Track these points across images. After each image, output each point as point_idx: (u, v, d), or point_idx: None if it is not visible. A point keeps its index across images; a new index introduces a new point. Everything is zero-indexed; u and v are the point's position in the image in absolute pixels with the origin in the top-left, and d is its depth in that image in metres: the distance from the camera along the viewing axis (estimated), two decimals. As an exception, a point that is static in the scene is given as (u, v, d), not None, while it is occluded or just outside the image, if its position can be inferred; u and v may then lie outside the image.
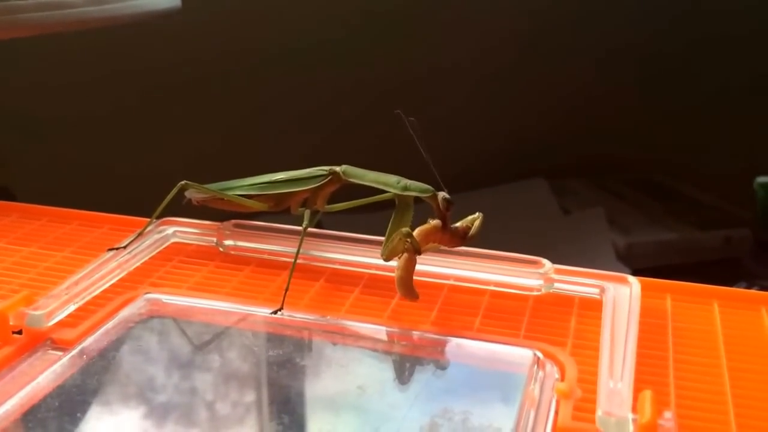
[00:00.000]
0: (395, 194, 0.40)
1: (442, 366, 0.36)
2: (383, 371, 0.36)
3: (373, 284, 0.41)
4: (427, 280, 0.41)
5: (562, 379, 0.33)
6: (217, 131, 1.04)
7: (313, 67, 1.05)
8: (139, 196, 0.50)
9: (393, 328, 0.37)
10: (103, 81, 0.96)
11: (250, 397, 0.34)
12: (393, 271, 0.38)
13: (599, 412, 0.29)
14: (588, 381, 0.32)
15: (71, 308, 0.36)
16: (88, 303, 0.37)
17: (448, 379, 0.35)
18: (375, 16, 1.06)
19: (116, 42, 0.91)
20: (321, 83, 1.05)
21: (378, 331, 0.37)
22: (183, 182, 0.42)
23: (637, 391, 0.30)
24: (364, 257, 0.42)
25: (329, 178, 0.42)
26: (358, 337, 0.37)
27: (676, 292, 0.40)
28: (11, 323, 0.34)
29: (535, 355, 0.34)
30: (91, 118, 0.96)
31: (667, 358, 0.35)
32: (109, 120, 0.97)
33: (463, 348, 0.36)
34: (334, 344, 0.37)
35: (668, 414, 0.29)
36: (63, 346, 0.35)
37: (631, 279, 0.39)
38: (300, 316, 0.38)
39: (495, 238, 0.41)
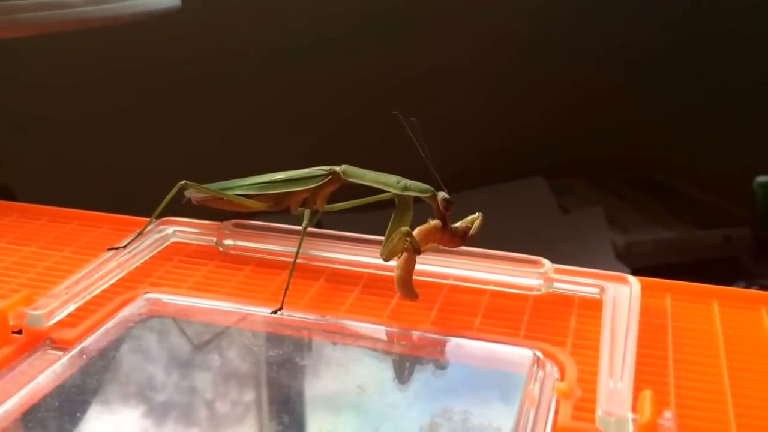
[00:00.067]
0: (395, 194, 0.40)
1: (441, 366, 0.36)
2: (383, 371, 0.36)
3: (372, 284, 0.41)
4: (426, 280, 0.41)
5: (562, 378, 0.33)
6: (216, 131, 1.04)
7: (312, 66, 1.05)
8: (139, 196, 0.50)
9: (393, 327, 0.37)
10: (103, 81, 0.96)
11: (249, 396, 0.34)
12: (393, 271, 0.38)
13: (599, 412, 0.29)
14: (588, 381, 0.32)
15: (71, 308, 0.36)
16: (87, 303, 0.37)
17: (447, 379, 0.35)
18: (374, 15, 1.06)
19: (116, 42, 0.91)
20: (321, 83, 1.05)
21: (378, 330, 0.37)
22: (183, 182, 0.42)
23: (636, 390, 0.30)
24: (363, 257, 0.42)
25: (329, 177, 0.42)
26: (357, 336, 0.37)
27: (675, 292, 0.40)
28: (11, 323, 0.34)
29: (534, 354, 0.34)
30: (90, 118, 0.96)
31: (667, 358, 0.35)
32: (109, 120, 0.97)
33: (462, 348, 0.36)
34: (334, 344, 0.37)
35: (668, 414, 0.29)
36: (63, 346, 0.35)
37: (631, 279, 0.39)
38: (300, 315, 0.38)
39: (494, 237, 0.41)
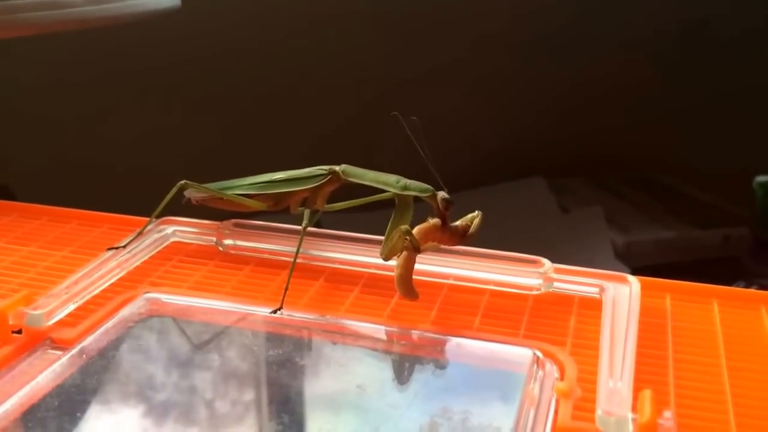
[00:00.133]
0: (395, 194, 0.40)
1: (441, 365, 0.36)
2: (383, 370, 0.36)
3: (372, 283, 0.41)
4: (426, 280, 0.41)
5: (562, 378, 0.33)
6: (216, 131, 1.04)
7: (312, 66, 1.05)
8: (139, 196, 0.50)
9: (392, 327, 0.37)
10: (103, 80, 0.96)
11: (249, 396, 0.34)
12: (393, 271, 0.38)
13: (599, 412, 0.29)
14: (588, 380, 0.32)
15: (71, 307, 0.36)
16: (87, 302, 0.37)
17: (447, 379, 0.35)
18: (374, 15, 1.06)
19: (115, 41, 0.91)
20: (320, 82, 1.05)
21: (377, 330, 0.37)
22: (182, 182, 0.42)
23: (636, 390, 0.30)
24: (363, 256, 0.42)
25: (329, 177, 0.42)
26: (357, 336, 0.37)
27: (675, 292, 0.40)
28: (11, 323, 0.34)
29: (534, 354, 0.34)
30: (90, 118, 0.96)
31: (667, 358, 0.35)
32: (109, 119, 0.97)
33: (462, 347, 0.36)
34: (334, 343, 0.37)
35: (668, 413, 0.29)
36: (62, 346, 0.35)
37: (631, 278, 0.39)
38: (299, 315, 0.38)
39: (493, 236, 0.41)
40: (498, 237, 0.43)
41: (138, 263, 0.42)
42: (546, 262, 0.40)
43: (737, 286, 0.41)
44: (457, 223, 0.39)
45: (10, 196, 0.60)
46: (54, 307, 0.36)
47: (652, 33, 1.15)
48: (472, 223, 0.39)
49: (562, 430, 0.30)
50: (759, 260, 0.98)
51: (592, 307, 0.38)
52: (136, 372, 0.35)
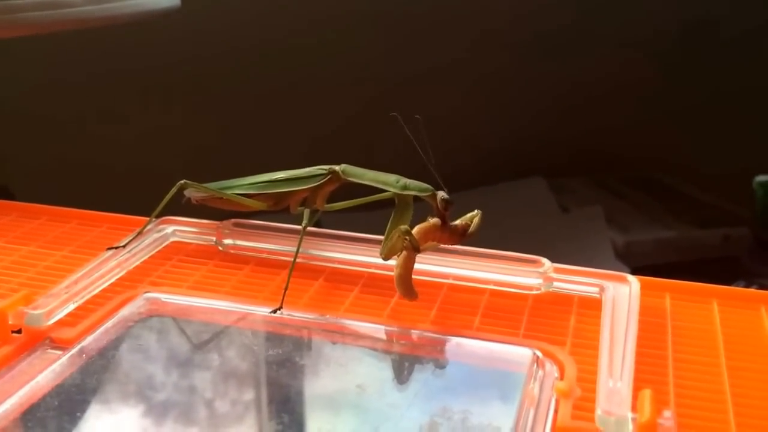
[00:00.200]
0: (394, 193, 0.40)
1: (441, 365, 0.36)
2: (382, 370, 0.36)
3: (372, 283, 0.41)
4: (426, 279, 0.41)
5: (562, 378, 0.33)
6: (216, 130, 1.04)
7: (312, 65, 1.05)
8: (139, 195, 0.50)
9: (392, 327, 0.37)
10: (102, 79, 0.96)
11: (249, 396, 0.34)
12: (392, 270, 0.38)
13: (599, 411, 0.29)
14: (587, 380, 0.32)
15: (70, 307, 0.36)
16: (87, 302, 0.37)
17: (447, 378, 0.35)
18: (374, 15, 1.06)
19: (115, 41, 0.91)
20: (320, 82, 1.05)
21: (377, 330, 0.37)
22: (182, 181, 0.42)
23: (636, 390, 0.30)
24: (363, 256, 0.42)
25: (328, 177, 0.42)
26: (357, 336, 0.37)
27: (675, 291, 0.40)
28: (10, 322, 0.34)
29: (534, 354, 0.34)
30: (90, 117, 0.96)
31: (667, 357, 0.35)
32: (109, 119, 0.97)
33: (462, 347, 0.36)
34: (334, 343, 0.37)
35: (668, 413, 0.29)
36: (62, 345, 0.35)
37: (631, 278, 0.39)
38: (299, 315, 0.38)
39: (493, 236, 0.41)
40: (498, 237, 0.43)
41: (138, 263, 0.42)
42: (546, 262, 0.40)
43: (737, 286, 0.41)
44: (457, 222, 0.39)
45: (10, 196, 0.60)
46: (54, 307, 0.36)
47: (652, 33, 1.15)
48: (471, 222, 0.39)
49: (561, 430, 0.30)
50: (759, 260, 0.98)
51: (591, 306, 0.38)
52: (135, 372, 0.35)
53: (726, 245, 1.01)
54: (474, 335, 0.36)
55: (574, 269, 0.40)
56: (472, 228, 0.38)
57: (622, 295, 0.38)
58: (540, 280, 0.40)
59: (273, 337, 0.37)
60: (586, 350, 0.35)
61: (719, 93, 1.13)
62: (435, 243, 0.39)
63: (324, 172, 0.42)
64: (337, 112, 1.07)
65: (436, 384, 0.35)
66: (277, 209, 0.44)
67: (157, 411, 0.32)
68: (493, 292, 0.40)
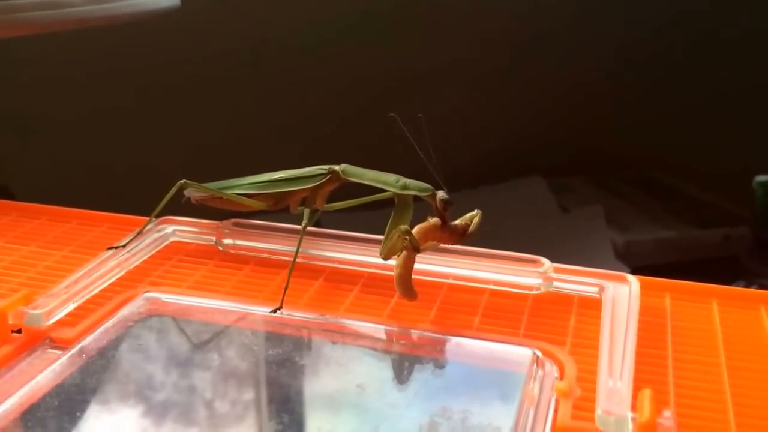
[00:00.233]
0: (394, 193, 0.40)
1: (441, 365, 0.36)
2: (382, 370, 0.36)
3: (372, 283, 0.41)
4: (426, 279, 0.41)
5: (562, 377, 0.33)
6: (216, 130, 1.04)
7: (312, 65, 1.05)
8: (138, 195, 0.50)
9: (392, 326, 0.37)
10: (102, 79, 0.96)
11: (249, 395, 0.34)
12: (392, 270, 0.38)
13: (598, 411, 0.29)
14: (587, 380, 0.32)
15: (70, 307, 0.36)
16: (87, 302, 0.37)
17: (447, 378, 0.35)
18: (373, 14, 1.06)
19: (115, 41, 0.91)
20: (320, 82, 1.05)
21: (377, 329, 0.37)
22: (182, 181, 0.42)
23: (636, 389, 0.30)
24: (363, 256, 0.42)
25: (328, 177, 0.42)
26: (357, 335, 0.37)
27: (675, 291, 0.40)
28: (10, 322, 0.34)
29: (534, 353, 0.34)
30: (90, 117, 0.96)
31: (667, 357, 0.35)
32: (108, 119, 0.97)
33: (462, 347, 0.36)
34: (334, 343, 0.37)
35: (667, 413, 0.29)
36: (62, 345, 0.34)
37: (630, 278, 0.39)
38: (299, 314, 0.38)
39: (493, 236, 0.41)
40: (497, 236, 0.43)
41: (138, 263, 0.42)
42: (546, 262, 0.40)
43: (737, 286, 0.41)
44: (457, 222, 0.39)
45: (10, 196, 0.60)
46: (54, 307, 0.35)
47: (652, 32, 1.15)
48: (471, 222, 0.39)
49: (561, 430, 0.30)
50: (759, 259, 0.98)
51: (591, 306, 0.38)
52: (135, 371, 0.35)
53: (726, 245, 1.01)
54: (474, 335, 0.36)
55: (574, 269, 0.40)
56: (472, 228, 0.38)
57: (622, 295, 0.38)
58: (540, 280, 0.40)
59: (273, 337, 0.37)
60: (586, 350, 0.35)
61: (719, 93, 1.13)
62: (435, 243, 0.39)
63: (324, 171, 0.42)
64: (337, 111, 1.07)
65: (436, 384, 0.35)
66: (277, 209, 0.44)
67: (157, 411, 0.32)
68: (493, 292, 0.40)
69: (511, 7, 1.11)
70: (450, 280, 0.41)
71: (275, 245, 0.43)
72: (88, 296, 0.38)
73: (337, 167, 0.42)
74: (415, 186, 0.39)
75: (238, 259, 0.43)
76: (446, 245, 0.40)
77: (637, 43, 1.14)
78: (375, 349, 0.38)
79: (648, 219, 1.05)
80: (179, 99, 1.00)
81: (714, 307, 0.39)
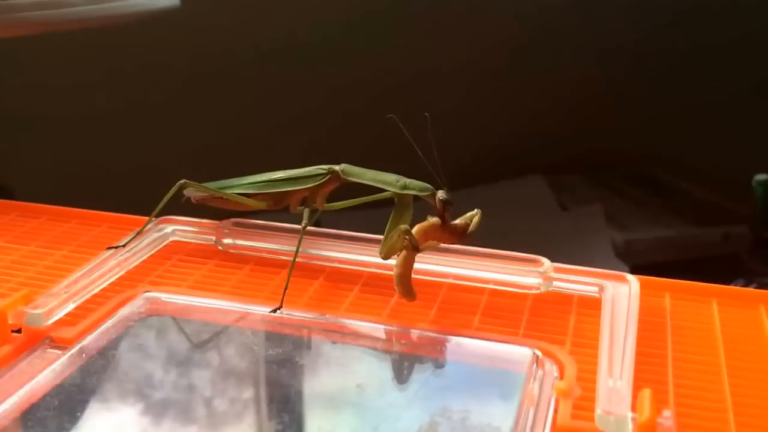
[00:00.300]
0: (394, 193, 0.40)
1: (441, 364, 0.36)
2: (382, 370, 0.36)
3: (372, 283, 0.41)
4: (426, 279, 0.41)
5: (562, 377, 0.33)
6: (216, 130, 1.04)
7: (311, 65, 1.05)
8: (138, 195, 0.50)
9: (392, 326, 0.37)
10: (102, 79, 0.96)
11: (249, 395, 0.34)
12: (392, 270, 0.38)
13: (598, 411, 0.29)
14: (587, 379, 0.32)
15: (70, 307, 0.36)
16: (87, 301, 0.37)
17: (447, 378, 0.35)
18: (373, 13, 1.06)
19: (114, 40, 0.91)
20: (320, 81, 1.05)
21: (377, 329, 0.37)
22: (182, 181, 0.42)
23: (636, 389, 0.30)
24: (363, 255, 0.42)
25: (328, 176, 0.42)
26: (357, 335, 0.37)
27: (675, 291, 0.40)
28: (10, 322, 0.34)
29: (534, 353, 0.34)
30: (90, 117, 0.96)
31: (667, 357, 0.35)
32: (108, 118, 0.97)
33: (462, 346, 0.36)
34: (333, 343, 0.37)
35: (667, 412, 0.29)
36: (62, 345, 0.35)
37: (630, 277, 0.39)
38: (299, 314, 0.38)
39: (492, 235, 0.41)
40: (497, 236, 0.43)
41: (137, 262, 0.42)
42: (545, 261, 0.40)
43: (737, 284, 0.42)
44: (457, 221, 0.39)
45: (9, 195, 0.60)
46: (53, 307, 0.36)
47: (652, 32, 1.15)
48: (471, 221, 0.39)
49: (561, 430, 0.30)
50: (758, 258, 0.98)
51: (591, 306, 0.38)
52: (135, 371, 0.35)
53: (725, 243, 1.01)
54: (474, 335, 0.36)
55: (573, 269, 0.40)
56: (472, 227, 0.38)
57: (621, 294, 0.38)
58: (540, 280, 0.40)
59: (273, 337, 0.37)
60: (586, 350, 0.35)
61: (718, 91, 1.13)
62: (435, 242, 0.39)
63: (324, 171, 0.42)
64: (337, 111, 1.07)
65: (436, 383, 0.35)
66: (277, 209, 0.44)
67: (156, 410, 0.32)
68: (493, 292, 0.40)
69: (511, 8, 1.11)
70: (450, 280, 0.41)
71: (275, 245, 0.43)
72: (88, 296, 0.38)
73: (336, 167, 0.42)
74: (414, 186, 0.39)
75: (238, 258, 0.43)
76: (446, 245, 0.40)
77: (636, 41, 1.14)
78: (375, 349, 0.38)
79: (647, 217, 1.05)
80: (179, 99, 1.00)
81: (714, 307, 0.39)
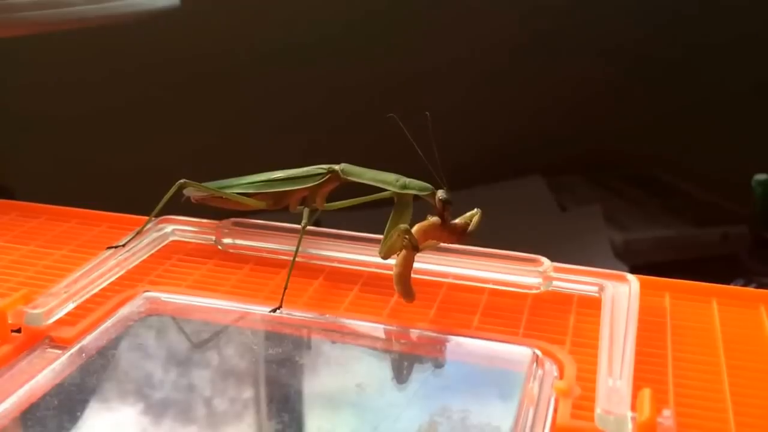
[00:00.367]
0: (394, 192, 0.40)
1: (440, 364, 0.36)
2: (382, 369, 0.36)
3: (371, 282, 0.41)
4: (426, 278, 0.41)
5: (561, 377, 0.33)
6: (215, 129, 1.04)
7: (311, 64, 1.05)
8: (138, 195, 0.50)
9: (392, 326, 0.37)
10: (102, 79, 0.96)
11: (249, 395, 0.34)
12: (392, 269, 0.38)
13: (598, 411, 0.29)
14: (587, 379, 0.32)
15: (70, 306, 0.36)
16: (86, 301, 0.37)
17: (446, 378, 0.35)
18: (373, 13, 1.06)
19: (114, 40, 0.91)
20: (319, 81, 1.05)
21: (377, 329, 0.37)
22: (182, 180, 0.42)
23: (636, 389, 0.30)
24: (362, 255, 0.42)
25: (328, 176, 0.42)
26: (356, 335, 0.37)
27: (674, 290, 0.40)
28: (10, 321, 0.34)
29: (534, 353, 0.34)
30: (90, 116, 0.96)
31: (666, 356, 0.35)
32: (108, 118, 0.97)
33: (461, 346, 0.36)
34: (333, 342, 0.37)
35: (667, 412, 0.29)
36: (62, 345, 0.35)
37: (630, 277, 0.39)
38: (299, 314, 0.38)
39: (492, 235, 0.41)
40: (497, 235, 0.43)
41: (137, 262, 0.42)
42: (545, 261, 0.40)
43: (736, 284, 0.41)
44: (457, 221, 0.39)
45: (9, 195, 0.60)
46: (53, 306, 0.35)
47: (652, 32, 1.15)
48: (471, 221, 0.39)
49: (561, 429, 0.30)
50: (758, 258, 0.98)
51: (591, 305, 0.38)
52: (135, 371, 0.35)
53: (725, 243, 1.01)
54: (473, 334, 0.36)
55: (573, 268, 0.40)
56: (471, 227, 0.38)
57: (621, 294, 0.38)
58: (539, 280, 0.40)
59: (272, 336, 0.37)
60: (586, 349, 0.35)
61: (718, 91, 1.13)
62: (434, 242, 0.39)
63: (323, 171, 0.42)
64: (337, 111, 1.07)
65: (436, 383, 0.35)
66: (277, 208, 0.44)
67: (156, 410, 0.32)
68: (493, 291, 0.40)
69: (510, 7, 1.11)
70: (449, 280, 0.41)
71: (275, 244, 0.43)
72: (88, 295, 0.38)
73: (336, 167, 0.42)
74: (414, 185, 0.39)
75: (238, 258, 0.43)
76: (446, 244, 0.40)
77: (635, 41, 1.14)
78: (374, 349, 0.38)
79: (646, 217, 1.05)
80: (179, 99, 1.00)
81: (714, 306, 0.39)
